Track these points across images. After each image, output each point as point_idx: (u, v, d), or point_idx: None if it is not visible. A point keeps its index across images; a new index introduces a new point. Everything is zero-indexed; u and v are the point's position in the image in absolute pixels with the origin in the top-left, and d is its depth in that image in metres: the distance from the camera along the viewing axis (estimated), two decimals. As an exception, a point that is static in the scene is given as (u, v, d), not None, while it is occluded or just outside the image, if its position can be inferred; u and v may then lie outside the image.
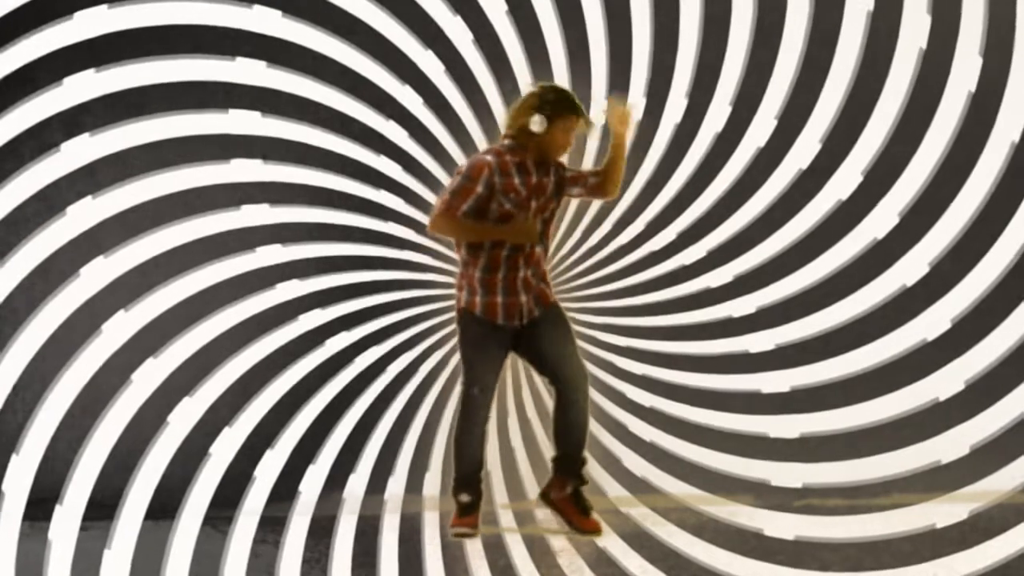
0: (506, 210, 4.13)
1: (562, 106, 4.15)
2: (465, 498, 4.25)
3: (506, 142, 4.20)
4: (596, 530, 4.22)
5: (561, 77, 4.76)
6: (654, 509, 4.60)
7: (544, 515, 4.47)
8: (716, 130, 4.80)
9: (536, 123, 4.11)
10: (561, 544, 4.12)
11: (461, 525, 4.21)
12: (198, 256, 4.75)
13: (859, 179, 4.72)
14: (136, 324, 4.70)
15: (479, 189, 4.10)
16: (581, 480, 4.26)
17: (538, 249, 4.21)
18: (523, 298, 4.18)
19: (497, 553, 4.00)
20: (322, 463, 4.74)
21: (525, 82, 4.72)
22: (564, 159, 4.29)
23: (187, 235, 4.74)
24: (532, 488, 4.69)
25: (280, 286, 4.81)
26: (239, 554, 4.12)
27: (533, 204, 4.16)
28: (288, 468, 4.72)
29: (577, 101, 4.19)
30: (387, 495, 4.78)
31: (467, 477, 4.25)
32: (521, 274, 4.18)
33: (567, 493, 4.25)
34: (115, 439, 4.56)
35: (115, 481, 4.52)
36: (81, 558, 4.09)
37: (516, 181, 4.13)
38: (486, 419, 4.26)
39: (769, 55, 4.75)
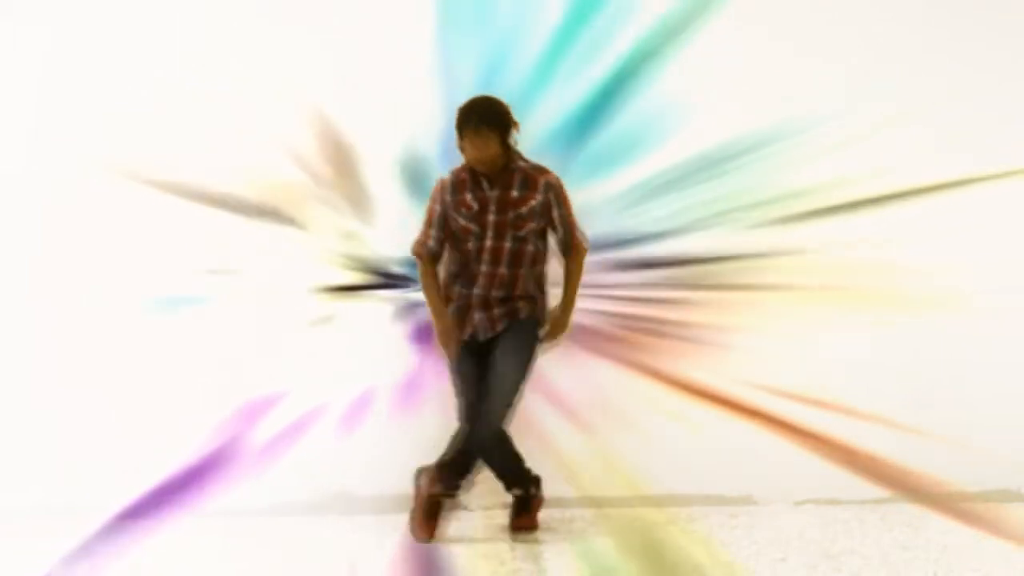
0: (463, 226, 4.19)
1: (458, 122, 4.11)
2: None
3: None
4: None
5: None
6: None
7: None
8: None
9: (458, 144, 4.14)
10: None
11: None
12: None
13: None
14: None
15: (437, 208, 4.22)
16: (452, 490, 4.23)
17: (502, 271, 4.18)
18: (476, 315, 4.22)
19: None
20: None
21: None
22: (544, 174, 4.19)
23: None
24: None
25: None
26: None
27: (491, 218, 4.18)
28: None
29: (472, 113, 4.05)
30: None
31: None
32: (481, 293, 4.21)
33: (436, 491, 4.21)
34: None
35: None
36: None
37: (468, 196, 4.19)
38: (463, 410, 4.20)
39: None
